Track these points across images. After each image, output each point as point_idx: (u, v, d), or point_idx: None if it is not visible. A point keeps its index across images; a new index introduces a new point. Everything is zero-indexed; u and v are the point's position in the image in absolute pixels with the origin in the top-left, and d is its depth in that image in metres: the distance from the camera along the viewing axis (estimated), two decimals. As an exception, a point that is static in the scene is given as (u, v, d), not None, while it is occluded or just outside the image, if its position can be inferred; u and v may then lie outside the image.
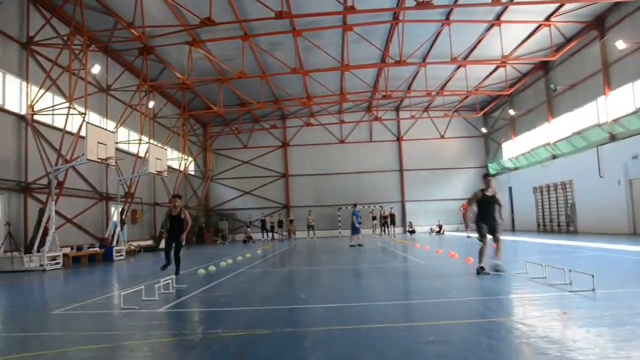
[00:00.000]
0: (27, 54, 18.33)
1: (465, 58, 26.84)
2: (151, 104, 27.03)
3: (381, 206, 37.50)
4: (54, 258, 15.98)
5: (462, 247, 18.45)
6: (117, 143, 21.77)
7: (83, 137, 16.88)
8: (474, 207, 9.91)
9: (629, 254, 13.01)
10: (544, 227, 29.47)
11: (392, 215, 35.61)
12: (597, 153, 23.39)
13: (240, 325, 5.96)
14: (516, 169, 33.74)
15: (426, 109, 39.12)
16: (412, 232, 35.76)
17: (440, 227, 34.38)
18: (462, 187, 38.76)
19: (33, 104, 18.17)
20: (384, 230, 35.76)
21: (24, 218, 17.55)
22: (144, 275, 11.02)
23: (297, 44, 22.99)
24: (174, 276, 9.50)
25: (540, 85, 29.81)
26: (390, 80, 29.04)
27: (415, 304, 7.37)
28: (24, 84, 18.15)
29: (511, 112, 33.37)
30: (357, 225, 21.68)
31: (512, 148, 34.60)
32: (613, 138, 22.45)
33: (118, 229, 20.98)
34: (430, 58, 26.82)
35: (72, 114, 18.30)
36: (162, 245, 18.83)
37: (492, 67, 28.96)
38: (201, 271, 12.35)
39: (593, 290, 6.97)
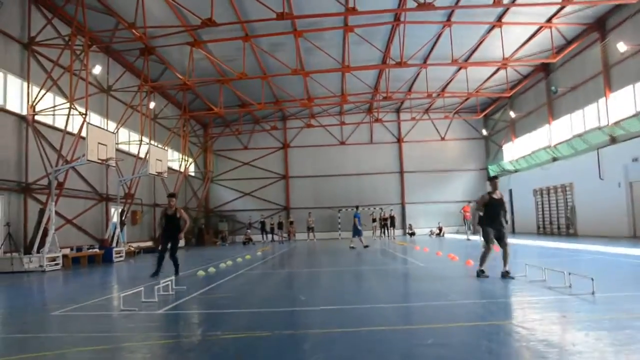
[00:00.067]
0: (29, 54, 18.35)
1: (466, 60, 26.85)
2: (152, 105, 27.03)
3: (381, 208, 37.50)
4: (53, 259, 15.97)
5: (462, 250, 18.44)
6: (117, 144, 21.78)
7: (84, 138, 16.87)
8: (479, 212, 9.75)
9: (629, 257, 13.00)
10: (544, 230, 29.45)
11: (392, 217, 35.62)
12: (598, 155, 23.39)
13: (239, 327, 5.95)
14: (516, 171, 33.73)
15: (427, 111, 39.13)
16: (412, 234, 35.77)
17: (440, 229, 34.37)
18: (462, 189, 38.85)
19: (34, 104, 18.18)
20: (384, 232, 35.76)
21: (24, 219, 17.55)
22: (144, 276, 11.01)
23: (298, 45, 23.00)
24: (173, 278, 9.48)
25: (541, 87, 29.82)
26: (391, 81, 29.06)
27: (415, 306, 7.36)
28: (25, 84, 18.17)
29: (512, 114, 33.37)
30: (359, 227, 21.69)
31: (513, 150, 34.61)
32: (614, 140, 22.45)
33: (118, 230, 20.97)
34: (431, 60, 26.84)
35: (72, 115, 18.31)
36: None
37: (493, 69, 28.97)
38: (201, 273, 12.34)
39: (593, 293, 6.96)
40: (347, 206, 37.56)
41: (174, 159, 32.30)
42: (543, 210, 29.82)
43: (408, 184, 39.77)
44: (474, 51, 26.12)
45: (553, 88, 26.81)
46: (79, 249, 18.95)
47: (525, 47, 25.36)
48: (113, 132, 20.05)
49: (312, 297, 8.27)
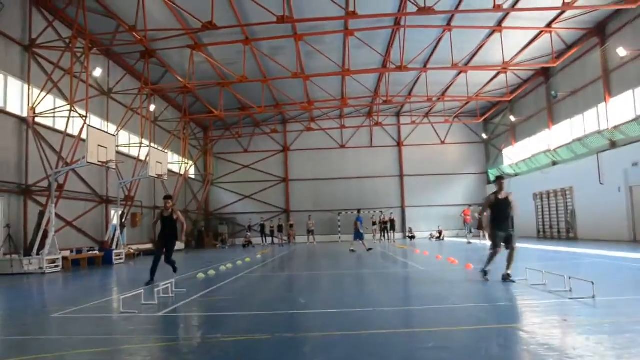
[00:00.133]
0: (29, 57, 18.37)
1: (466, 64, 26.90)
2: (152, 108, 27.07)
3: (381, 211, 37.49)
4: (53, 261, 15.95)
5: (462, 253, 18.43)
6: (117, 146, 21.77)
7: (84, 140, 16.86)
8: (486, 214, 9.61)
9: (629, 261, 13.00)
10: (544, 234, 29.45)
11: (392, 221, 35.60)
12: (598, 160, 23.40)
13: (239, 330, 5.95)
14: (516, 175, 33.74)
15: (427, 115, 39.17)
16: (412, 237, 35.76)
17: (440, 232, 34.37)
18: (463, 193, 38.92)
19: (34, 106, 18.20)
20: (384, 236, 35.75)
21: (24, 221, 17.54)
22: (144, 279, 10.99)
23: (298, 48, 23.04)
24: (173, 280, 9.46)
25: (541, 91, 29.86)
26: (391, 85, 29.09)
27: (416, 310, 7.36)
28: (26, 86, 18.19)
29: (512, 118, 33.41)
30: (361, 230, 21.70)
31: (513, 154, 34.63)
32: (613, 145, 22.48)
33: (118, 232, 20.96)
34: (431, 64, 26.87)
35: (73, 117, 18.32)
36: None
37: (493, 73, 28.99)
38: (201, 275, 12.34)
39: (593, 297, 6.96)
40: (347, 209, 37.55)
41: (174, 162, 32.31)
42: (543, 214, 29.83)
43: (408, 188, 39.77)
44: (474, 55, 26.16)
45: (553, 93, 26.86)
46: (79, 251, 18.92)
47: (525, 51, 25.39)
48: (113, 135, 20.06)
49: (312, 300, 8.26)
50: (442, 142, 39.96)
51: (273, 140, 40.29)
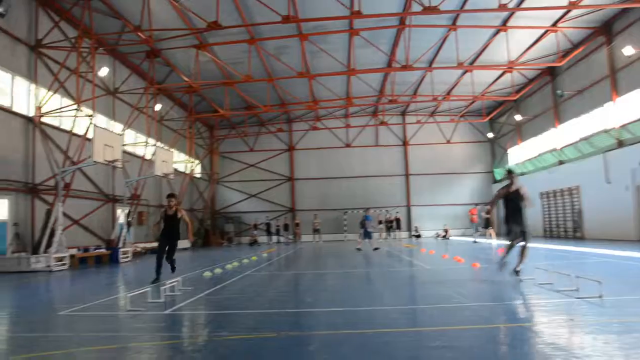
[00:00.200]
0: (36, 57, 18.49)
1: (471, 63, 26.82)
2: (158, 107, 27.17)
3: (387, 210, 37.46)
4: (60, 259, 16.04)
5: (468, 252, 18.39)
6: (124, 145, 21.84)
7: (90, 139, 16.98)
8: (493, 211, 9.55)
9: (637, 260, 12.92)
10: (551, 233, 29.33)
11: (397, 220, 35.57)
12: (604, 159, 23.27)
13: (245, 328, 5.96)
14: (522, 174, 33.58)
15: (432, 114, 39.13)
16: (418, 236, 35.72)
17: (446, 231, 34.31)
18: (468, 192, 38.86)
19: (41, 105, 18.31)
20: (390, 235, 35.73)
21: (31, 219, 17.66)
22: (150, 277, 11.03)
23: (303, 48, 23.05)
24: (179, 278, 9.50)
25: (547, 90, 29.72)
26: (396, 84, 29.08)
27: (421, 308, 7.35)
28: (32, 86, 18.30)
29: (518, 117, 33.28)
30: (369, 229, 21.70)
31: (519, 154, 34.50)
32: (620, 144, 22.35)
33: (124, 230, 21.05)
34: (436, 63, 26.81)
35: (79, 116, 18.43)
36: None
37: (499, 72, 28.90)
38: (207, 274, 12.37)
39: (600, 297, 6.91)
40: (352, 208, 37.61)
41: (180, 161, 32.40)
42: (550, 214, 29.71)
43: (414, 187, 39.71)
44: (479, 54, 26.07)
45: (559, 92, 26.73)
46: (86, 250, 19.03)
47: (530, 50, 25.29)
48: (119, 134, 20.15)
49: (317, 299, 8.27)
50: (448, 142, 39.87)
51: (278, 139, 40.34)
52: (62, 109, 19.08)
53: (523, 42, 24.68)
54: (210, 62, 24.91)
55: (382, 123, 37.47)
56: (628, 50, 20.34)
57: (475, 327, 5.67)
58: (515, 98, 30.79)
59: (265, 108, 29.40)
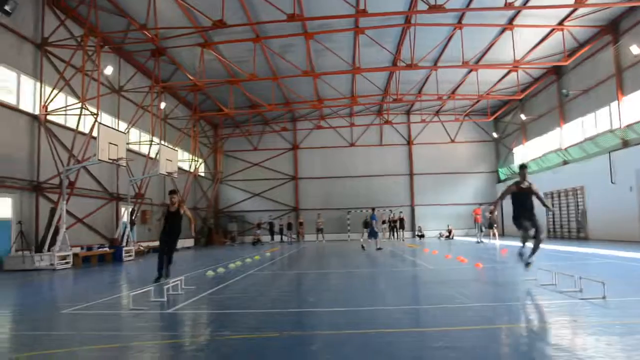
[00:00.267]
0: (42, 55, 18.54)
1: (477, 62, 26.75)
2: (162, 105, 27.22)
3: (390, 210, 37.40)
4: (64, 257, 16.11)
5: (472, 252, 18.35)
6: (128, 144, 21.92)
7: (95, 138, 17.03)
8: (496, 209, 9.48)
9: (641, 261, 12.85)
10: (555, 233, 29.20)
11: (401, 220, 35.53)
12: (609, 159, 23.15)
13: (248, 328, 5.96)
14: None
15: (437, 113, 39.06)
16: (422, 236, 35.64)
17: (449, 231, 34.21)
18: (473, 192, 38.74)
19: (46, 104, 18.37)
20: (393, 234, 35.70)
21: (36, 217, 17.73)
22: (153, 276, 11.05)
23: (308, 46, 23.03)
24: (182, 277, 9.50)
25: (552, 90, 29.60)
26: (401, 83, 29.01)
27: (424, 308, 7.33)
28: (38, 84, 18.36)
29: (523, 117, 33.16)
30: (375, 229, 21.72)
31: (523, 153, 34.37)
32: (625, 144, 22.23)
33: (128, 229, 21.11)
34: (441, 62, 26.75)
35: (84, 115, 18.48)
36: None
37: (504, 71, 28.79)
38: (210, 273, 12.38)
39: (604, 298, 6.88)
40: (356, 208, 37.60)
41: (184, 159, 32.46)
42: (553, 214, 29.57)
43: (418, 186, 39.64)
44: (484, 53, 26.00)
45: (564, 91, 26.60)
46: (90, 248, 19.11)
47: (536, 49, 25.19)
48: (124, 132, 20.21)
49: (320, 299, 8.27)
50: (452, 141, 39.77)
51: (283, 138, 40.34)
52: (67, 107, 19.15)
53: (529, 41, 24.57)
54: (215, 60, 24.93)
55: (387, 122, 37.41)
56: (635, 49, 20.25)
57: (478, 328, 5.65)
58: (520, 97, 30.67)
59: (270, 107, 29.40)
